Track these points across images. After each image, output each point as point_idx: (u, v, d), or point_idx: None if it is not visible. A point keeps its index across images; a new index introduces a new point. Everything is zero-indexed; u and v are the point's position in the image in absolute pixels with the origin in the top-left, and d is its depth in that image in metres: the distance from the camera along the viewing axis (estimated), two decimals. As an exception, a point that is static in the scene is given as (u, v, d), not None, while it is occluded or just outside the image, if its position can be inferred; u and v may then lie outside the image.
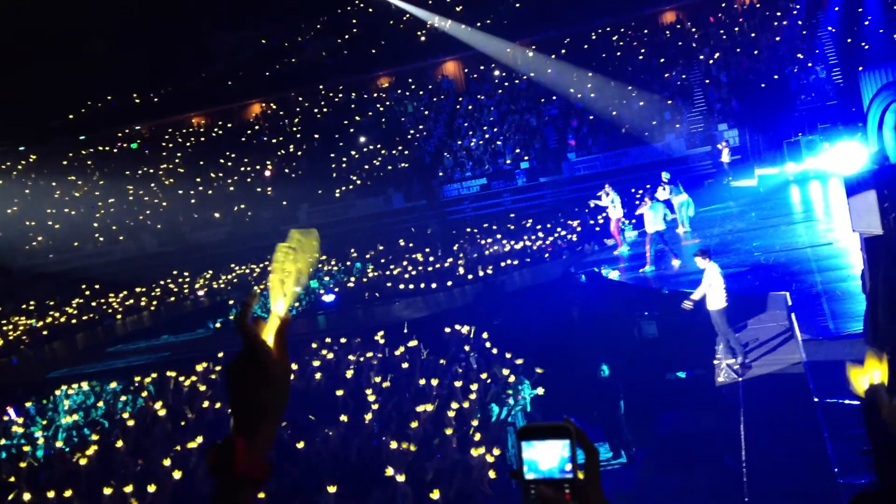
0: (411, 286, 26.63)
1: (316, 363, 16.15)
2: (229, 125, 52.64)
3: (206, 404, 14.80)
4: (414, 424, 11.61)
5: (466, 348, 15.77)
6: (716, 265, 12.62)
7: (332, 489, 9.61)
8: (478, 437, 11.14)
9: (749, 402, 10.97)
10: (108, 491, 10.97)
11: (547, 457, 1.67)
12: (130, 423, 14.58)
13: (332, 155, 45.28)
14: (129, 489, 10.86)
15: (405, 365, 15.14)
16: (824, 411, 9.63)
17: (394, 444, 10.90)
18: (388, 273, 29.40)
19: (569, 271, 20.14)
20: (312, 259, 1.84)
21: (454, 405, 12.36)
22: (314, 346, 17.54)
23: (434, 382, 13.69)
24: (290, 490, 10.44)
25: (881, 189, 11.28)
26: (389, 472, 10.14)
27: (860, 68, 27.24)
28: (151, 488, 10.71)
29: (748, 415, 10.61)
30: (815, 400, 10.13)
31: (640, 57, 43.52)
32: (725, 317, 12.38)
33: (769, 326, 13.65)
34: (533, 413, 14.16)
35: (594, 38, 46.77)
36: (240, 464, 1.61)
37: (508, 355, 15.05)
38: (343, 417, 12.50)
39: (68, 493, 11.21)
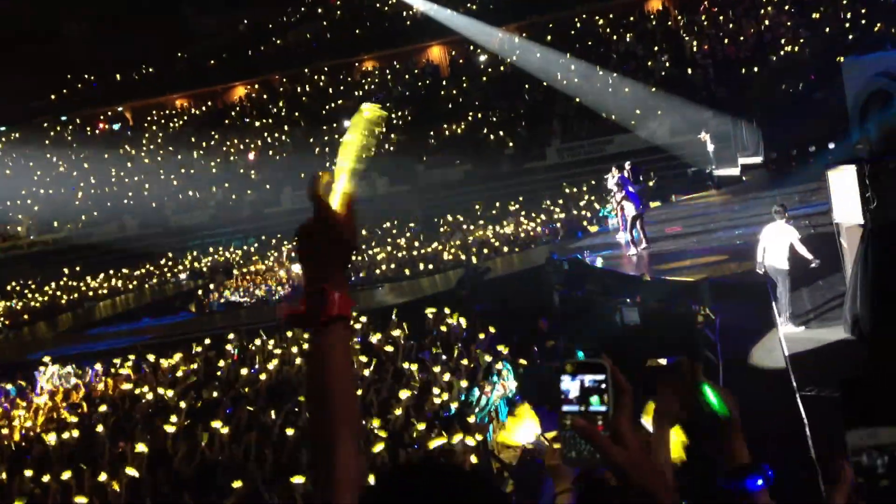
0: (393, 266, 26.62)
1: (294, 349, 16.10)
2: (213, 107, 52.31)
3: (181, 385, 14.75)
4: (398, 411, 11.60)
5: (449, 334, 15.77)
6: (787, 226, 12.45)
7: (300, 479, 9.55)
8: (459, 423, 11.14)
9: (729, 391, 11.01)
10: (87, 474, 10.92)
11: (584, 389, 1.75)
12: (109, 406, 14.52)
13: (315, 139, 45.06)
14: (103, 477, 10.78)
15: (389, 348, 15.12)
16: (804, 401, 9.68)
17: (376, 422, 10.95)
18: (371, 257, 29.37)
19: (552, 257, 20.13)
20: (374, 136, 2.01)
21: (435, 390, 12.35)
22: (296, 330, 17.48)
23: (415, 368, 13.69)
24: (272, 475, 10.42)
25: (864, 178, 11.31)
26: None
27: (840, 58, 27.34)
28: (129, 470, 10.65)
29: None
30: (794, 386, 10.18)
31: (626, 44, 43.51)
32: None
33: (749, 315, 13.70)
34: (514, 399, 14.18)
35: (579, 24, 46.74)
36: (332, 306, 1.84)
37: (500, 345, 15.07)
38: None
39: (46, 477, 11.14)
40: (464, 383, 13.01)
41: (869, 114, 25.49)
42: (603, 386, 1.77)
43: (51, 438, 13.00)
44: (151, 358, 17.32)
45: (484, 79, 46.04)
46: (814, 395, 9.67)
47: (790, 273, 12.49)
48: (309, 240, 1.92)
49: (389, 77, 49.21)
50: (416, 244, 30.47)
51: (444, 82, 47.53)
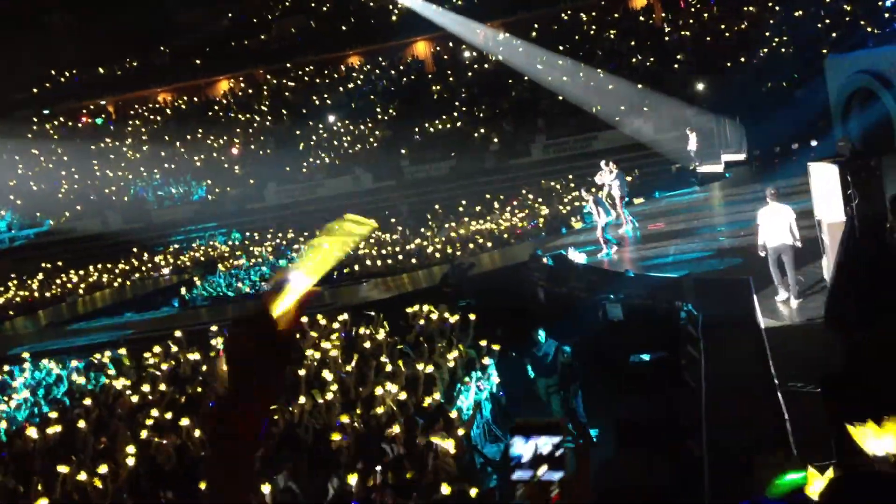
0: (378, 262, 26.60)
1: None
2: (196, 101, 52.05)
3: (164, 380, 14.70)
4: (381, 409, 11.60)
5: (433, 330, 15.78)
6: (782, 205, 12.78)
7: (280, 479, 9.57)
8: (442, 418, 11.16)
9: (710, 386, 11.05)
10: (67, 469, 10.87)
11: (537, 454, 1.62)
12: (91, 400, 14.45)
13: (299, 134, 44.97)
14: (83, 476, 10.71)
15: (368, 344, 15.12)
16: (785, 396, 9.73)
17: (345, 418, 10.96)
18: (356, 253, 29.32)
19: (536, 253, 20.17)
20: (353, 243, 1.81)
21: (419, 386, 12.37)
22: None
23: (400, 363, 13.69)
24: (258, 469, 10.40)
25: (845, 175, 11.38)
26: (336, 436, 10.30)
27: (825, 52, 27.48)
28: (102, 468, 10.60)
29: (709, 399, 10.70)
30: (776, 382, 10.23)
31: (610, 40, 43.62)
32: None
33: (732, 311, 13.75)
34: (498, 395, 14.21)
35: (564, 19, 46.82)
36: (233, 423, 1.66)
37: (476, 341, 15.10)
38: (301, 399, 12.45)
39: (27, 471, 11.09)
40: (448, 378, 13.03)
41: (851, 111, 25.66)
42: (559, 451, 1.62)
43: (32, 433, 12.94)
44: (134, 352, 17.23)
45: (469, 75, 46.02)
46: (795, 390, 9.73)
47: (793, 248, 12.64)
48: (240, 340, 1.70)
49: (374, 72, 49.08)
50: (401, 240, 30.44)
51: (429, 78, 47.48)
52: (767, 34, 38.55)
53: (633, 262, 18.23)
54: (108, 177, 45.47)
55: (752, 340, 11.97)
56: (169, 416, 12.71)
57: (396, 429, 10.76)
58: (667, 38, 42.16)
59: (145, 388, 14.70)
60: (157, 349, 17.40)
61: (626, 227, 21.78)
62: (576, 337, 14.36)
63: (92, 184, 45.11)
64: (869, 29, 32.84)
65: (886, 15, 31.17)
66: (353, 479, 9.05)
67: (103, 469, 10.70)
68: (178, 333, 17.87)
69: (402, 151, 40.64)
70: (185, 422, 11.79)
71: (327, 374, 13.35)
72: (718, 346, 12.37)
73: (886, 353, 8.18)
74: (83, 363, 18.21)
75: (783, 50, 37.29)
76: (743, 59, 37.76)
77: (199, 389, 14.11)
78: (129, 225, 40.81)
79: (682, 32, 42.02)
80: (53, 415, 14.15)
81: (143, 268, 34.36)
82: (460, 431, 10.91)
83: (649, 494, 8.80)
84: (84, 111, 52.58)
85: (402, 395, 12.07)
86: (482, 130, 40.46)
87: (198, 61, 52.80)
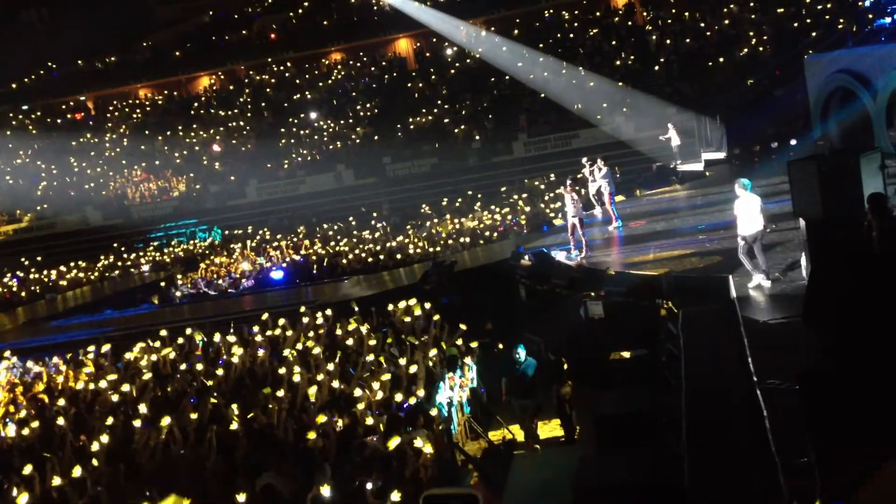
0: (360, 259, 26.57)
1: (259, 339, 16.04)
2: (176, 97, 51.76)
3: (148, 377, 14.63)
4: (361, 406, 11.59)
5: (414, 327, 15.78)
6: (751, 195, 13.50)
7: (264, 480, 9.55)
8: (421, 415, 11.17)
9: (690, 383, 11.11)
10: (48, 467, 10.82)
11: None
12: (70, 398, 14.36)
13: (280, 131, 44.85)
14: (57, 481, 10.65)
15: (349, 342, 15.10)
16: (763, 393, 9.79)
17: (321, 418, 10.96)
18: (337, 250, 29.29)
19: (518, 251, 20.21)
20: None
21: (400, 383, 12.37)
22: (263, 318, 17.40)
23: (381, 360, 13.70)
24: (240, 465, 10.37)
25: (824, 174, 11.46)
26: (312, 436, 10.29)
27: (806, 55, 27.66)
28: (76, 471, 10.54)
29: (689, 395, 10.76)
30: (755, 381, 10.30)
31: (592, 39, 43.72)
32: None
33: (711, 308, 13.83)
34: (478, 391, 14.25)
35: (546, 17, 46.89)
36: None
37: (456, 338, 15.11)
38: (279, 393, 12.43)
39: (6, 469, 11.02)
40: (428, 376, 13.04)
41: (830, 110, 25.84)
42: None
43: (10, 431, 12.86)
44: (113, 350, 17.13)
45: (451, 72, 46.01)
46: (774, 387, 9.79)
47: (763, 233, 13.46)
48: None
49: (356, 69, 48.97)
50: (383, 237, 30.44)
51: (411, 75, 47.44)
52: (750, 34, 38.75)
53: (614, 260, 18.29)
54: (87, 172, 45.17)
55: (731, 338, 12.04)
56: (149, 413, 12.65)
57: (376, 426, 10.76)
58: (648, 37, 42.29)
59: (125, 386, 14.62)
60: (137, 346, 17.32)
61: (615, 223, 21.86)
62: (558, 333, 14.44)
63: (71, 180, 44.80)
64: (847, 27, 33.06)
65: (869, 15, 31.40)
66: (325, 490, 9.02)
67: (80, 468, 10.64)
68: (163, 333, 17.78)
69: (384, 148, 40.59)
70: (165, 419, 11.74)
71: (306, 372, 13.33)
72: (698, 343, 12.44)
73: (863, 353, 8.25)
74: (62, 360, 18.09)
75: (762, 49, 37.48)
76: (721, 59, 37.95)
77: (179, 387, 14.05)
78: (109, 221, 40.58)
79: (663, 31, 42.15)
80: (32, 412, 14.06)
81: (123, 264, 34.17)
82: (441, 427, 10.93)
83: (629, 491, 8.85)
84: (63, 107, 52.18)
85: (383, 393, 12.08)
86: (464, 127, 40.47)
87: (178, 56, 52.51)
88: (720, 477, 8.62)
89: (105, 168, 45.44)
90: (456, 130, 40.60)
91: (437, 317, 15.95)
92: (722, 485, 8.40)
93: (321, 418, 11.07)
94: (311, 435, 10.64)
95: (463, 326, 15.39)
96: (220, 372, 14.47)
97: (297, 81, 49.38)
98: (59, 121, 51.00)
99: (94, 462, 10.97)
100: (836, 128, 25.10)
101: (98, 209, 41.86)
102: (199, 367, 14.99)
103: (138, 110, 51.28)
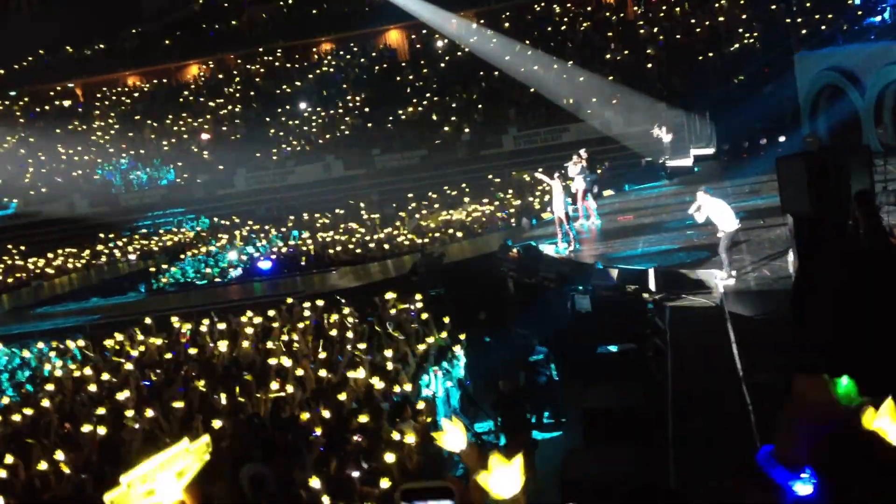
0: (350, 250, 26.55)
1: (248, 330, 16.02)
2: (165, 86, 51.49)
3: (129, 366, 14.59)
4: (342, 396, 11.59)
5: (402, 318, 15.79)
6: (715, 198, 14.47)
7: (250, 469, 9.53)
8: (408, 408, 11.18)
9: (677, 378, 11.16)
10: (34, 454, 10.79)
11: None
12: (56, 385, 14.31)
13: (269, 121, 44.70)
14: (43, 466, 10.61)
15: (334, 332, 15.10)
16: (749, 388, 9.84)
17: (304, 416, 10.94)
18: (325, 241, 29.26)
19: (506, 244, 20.23)
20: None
21: (387, 374, 12.37)
22: (249, 313, 17.38)
23: (365, 351, 13.69)
24: (226, 454, 10.35)
25: (812, 171, 11.49)
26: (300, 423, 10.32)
27: (795, 52, 27.72)
28: (58, 455, 10.51)
29: (676, 390, 10.81)
30: (741, 375, 10.35)
31: (582, 33, 43.73)
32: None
33: (699, 304, 13.90)
34: (465, 383, 14.25)
35: (537, 11, 46.86)
36: None
37: (443, 330, 15.12)
38: (267, 384, 12.42)
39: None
40: (415, 367, 13.06)
41: (819, 107, 25.91)
42: None
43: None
44: (99, 337, 17.09)
45: (442, 65, 45.93)
46: (760, 382, 9.83)
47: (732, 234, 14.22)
48: None
49: (346, 60, 48.83)
50: (371, 229, 30.42)
51: (401, 66, 47.34)
52: (740, 30, 38.84)
53: (602, 254, 18.33)
54: (75, 160, 44.91)
55: (718, 333, 12.10)
56: (134, 401, 12.63)
57: (363, 418, 10.76)
58: (638, 32, 42.33)
59: (110, 374, 14.58)
60: (122, 335, 17.27)
61: (591, 219, 21.93)
62: (546, 327, 14.47)
63: (59, 167, 44.55)
64: (837, 24, 33.12)
65: (859, 13, 31.47)
66: (315, 482, 9.01)
67: (66, 454, 10.62)
68: (147, 321, 17.73)
69: (374, 140, 40.52)
70: (150, 410, 11.72)
71: (293, 363, 13.32)
72: (685, 338, 12.50)
73: (848, 348, 8.30)
74: (48, 348, 18.03)
75: (753, 45, 37.57)
76: (711, 55, 38.02)
77: (165, 376, 14.03)
78: (96, 209, 40.37)
79: (654, 27, 42.19)
80: (17, 400, 14.01)
81: (110, 252, 34.03)
82: (427, 419, 10.94)
83: (617, 484, 8.88)
84: (51, 93, 51.83)
85: (370, 384, 12.08)
86: (454, 120, 40.43)
87: (167, 44, 52.22)
88: (705, 472, 8.66)
89: (93, 155, 45.16)
90: (446, 123, 40.53)
91: (424, 313, 15.95)
92: (707, 480, 8.44)
93: (304, 416, 11.06)
94: (300, 421, 10.64)
95: (446, 320, 15.36)
96: (206, 361, 14.44)
97: (287, 71, 49.20)
98: (46, 108, 50.65)
99: (79, 450, 10.94)
100: (825, 125, 25.21)
101: (85, 197, 41.63)
102: (187, 354, 14.96)
103: (127, 98, 50.98)
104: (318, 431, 10.54)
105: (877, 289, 8.98)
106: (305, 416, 10.99)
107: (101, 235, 36.44)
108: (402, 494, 1.66)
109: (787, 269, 13.26)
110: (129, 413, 11.94)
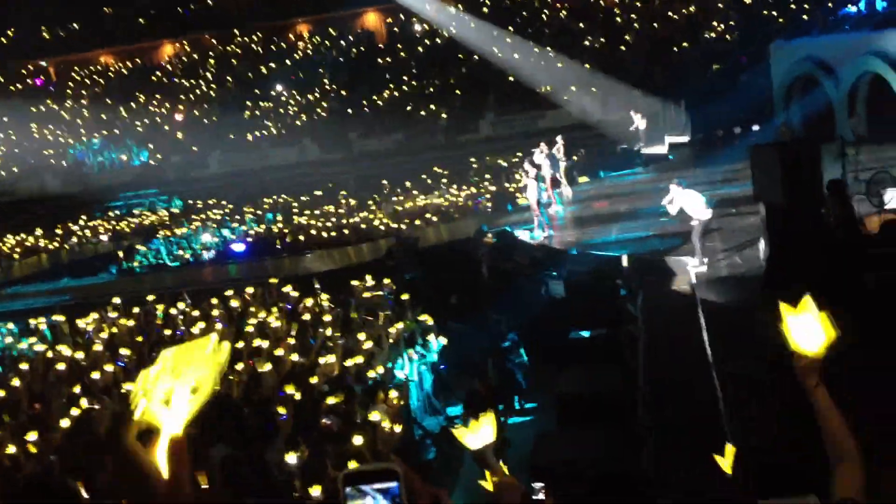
0: (325, 234, 26.48)
1: (217, 313, 15.93)
2: (139, 65, 50.96)
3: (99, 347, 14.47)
4: (314, 379, 11.57)
5: (376, 302, 15.77)
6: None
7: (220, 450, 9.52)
8: (381, 392, 11.18)
9: (648, 364, 11.24)
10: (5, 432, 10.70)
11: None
12: (25, 366, 14.18)
13: (244, 103, 44.37)
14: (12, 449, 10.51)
15: (307, 316, 15.05)
16: (720, 376, 9.92)
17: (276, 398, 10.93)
18: (300, 224, 29.15)
19: (481, 229, 20.25)
20: (210, 372, 1.83)
21: (360, 358, 12.35)
22: (227, 294, 17.27)
23: (338, 334, 13.68)
24: (197, 437, 10.31)
25: (785, 161, 11.57)
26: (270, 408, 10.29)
27: (771, 42, 27.87)
28: (31, 435, 10.42)
29: (647, 376, 10.88)
30: (711, 363, 10.43)
31: (560, 20, 43.70)
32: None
33: (671, 291, 13.98)
34: (439, 367, 14.27)
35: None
36: None
37: (418, 315, 15.13)
38: (239, 366, 12.37)
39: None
40: (389, 351, 13.06)
41: (793, 97, 26.07)
42: (397, 496, 1.58)
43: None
44: (69, 318, 16.94)
45: (420, 49, 45.74)
46: (729, 371, 9.91)
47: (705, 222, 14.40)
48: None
49: (324, 43, 48.52)
50: (346, 212, 30.33)
51: (379, 49, 47.09)
52: (717, 20, 38.95)
53: (576, 240, 18.39)
54: (47, 140, 44.41)
55: (689, 320, 12.19)
56: (105, 382, 12.53)
57: (333, 399, 10.75)
58: (617, 19, 42.34)
59: (80, 353, 14.46)
60: (93, 315, 17.12)
61: (555, 207, 22.11)
62: (519, 311, 14.51)
63: (30, 146, 44.03)
64: (813, 15, 33.27)
65: (829, 4, 31.66)
66: (291, 457, 9.02)
67: (35, 435, 10.53)
68: (116, 300, 17.59)
69: (351, 123, 40.34)
70: (124, 387, 11.63)
71: (266, 344, 13.28)
72: (657, 324, 12.58)
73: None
74: (18, 328, 17.85)
75: (728, 35, 37.70)
76: (687, 44, 38.11)
77: (135, 356, 13.93)
78: (68, 189, 39.94)
79: (631, 14, 42.21)
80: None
81: (82, 233, 33.70)
82: (400, 402, 10.95)
83: (588, 468, 8.94)
84: (23, 71, 51.14)
85: (343, 366, 12.06)
86: (431, 106, 40.31)
87: (142, 23, 51.59)
88: (676, 459, 8.73)
89: (65, 135, 44.68)
90: (423, 111, 40.38)
91: (399, 297, 15.93)
92: (678, 465, 8.51)
93: (276, 397, 11.04)
94: (272, 403, 10.62)
95: (420, 306, 15.33)
96: (179, 342, 14.34)
97: (263, 53, 48.82)
98: (18, 86, 49.99)
99: (49, 431, 10.85)
100: (799, 115, 25.37)
101: (57, 176, 41.19)
102: (160, 336, 14.87)
103: (100, 77, 50.39)
104: (288, 413, 10.51)
105: (848, 276, 9.08)
106: (277, 397, 10.97)
107: (73, 216, 36.06)
108: (344, 478, 1.66)
109: (759, 256, 13.37)
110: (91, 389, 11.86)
